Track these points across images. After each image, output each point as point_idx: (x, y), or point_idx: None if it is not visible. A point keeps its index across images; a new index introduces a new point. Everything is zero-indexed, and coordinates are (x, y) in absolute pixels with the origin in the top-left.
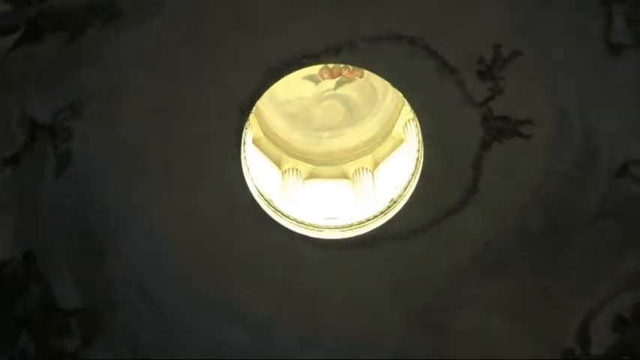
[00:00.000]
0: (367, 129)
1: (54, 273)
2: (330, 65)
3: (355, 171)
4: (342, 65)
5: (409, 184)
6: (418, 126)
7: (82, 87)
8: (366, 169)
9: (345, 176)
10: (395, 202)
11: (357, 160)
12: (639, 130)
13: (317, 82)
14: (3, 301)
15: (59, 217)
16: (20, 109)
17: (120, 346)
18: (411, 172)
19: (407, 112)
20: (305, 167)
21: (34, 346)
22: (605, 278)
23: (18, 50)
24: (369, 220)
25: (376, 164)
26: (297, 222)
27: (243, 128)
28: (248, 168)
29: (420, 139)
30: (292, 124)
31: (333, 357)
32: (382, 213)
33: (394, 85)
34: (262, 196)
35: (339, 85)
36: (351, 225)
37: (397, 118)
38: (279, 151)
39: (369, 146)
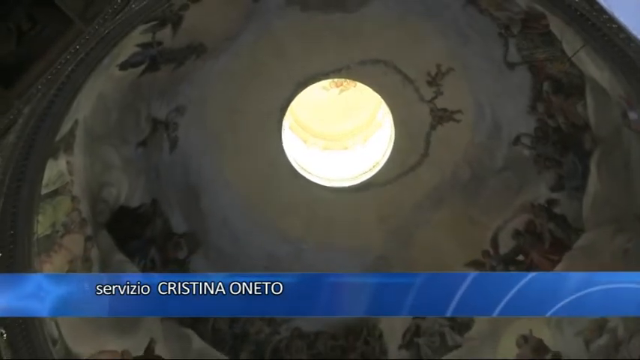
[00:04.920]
0: (360, 118)
1: (170, 211)
2: (336, 79)
3: (353, 144)
4: (343, 79)
5: (386, 151)
6: (391, 116)
7: (183, 97)
8: (360, 143)
9: (346, 148)
10: (378, 163)
11: (354, 137)
12: (516, 114)
13: (327, 90)
14: (139, 229)
15: (172, 177)
16: (146, 111)
17: (212, 256)
18: (387, 144)
19: (384, 107)
20: (322, 142)
21: (159, 256)
22: (507, 207)
23: (144, 75)
24: (362, 174)
25: (366, 140)
26: (318, 176)
27: (282, 119)
28: (286, 144)
29: (392, 124)
30: (313, 116)
31: (342, 260)
32: (370, 170)
33: (375, 91)
34: (295, 160)
35: (341, 91)
36: (351, 178)
37: (378, 111)
38: (306, 132)
39: (361, 128)
